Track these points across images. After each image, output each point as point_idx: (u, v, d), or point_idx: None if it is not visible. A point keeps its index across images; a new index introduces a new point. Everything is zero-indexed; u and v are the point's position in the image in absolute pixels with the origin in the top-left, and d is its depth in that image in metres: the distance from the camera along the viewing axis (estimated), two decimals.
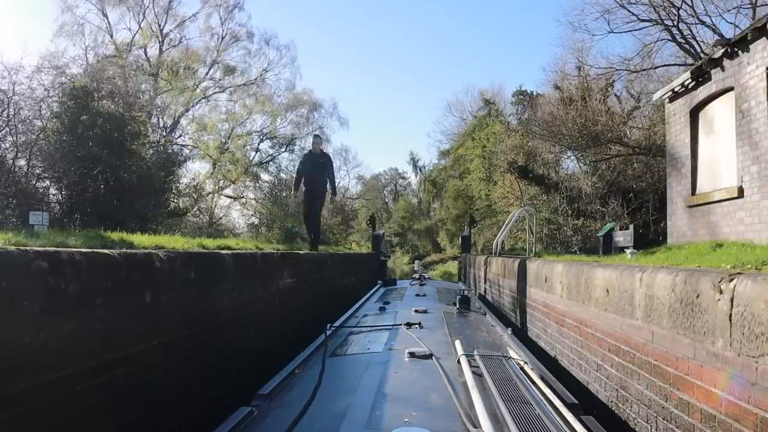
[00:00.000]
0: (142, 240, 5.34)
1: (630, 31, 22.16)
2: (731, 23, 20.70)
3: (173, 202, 19.23)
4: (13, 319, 2.51)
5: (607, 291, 4.90)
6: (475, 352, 4.71)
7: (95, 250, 3.31)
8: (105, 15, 29.33)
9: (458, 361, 4.49)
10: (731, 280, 2.96)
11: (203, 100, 31.75)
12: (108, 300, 3.22)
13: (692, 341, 3.39)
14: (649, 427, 4.05)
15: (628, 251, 8.89)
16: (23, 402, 2.64)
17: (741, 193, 8.70)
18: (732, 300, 2.93)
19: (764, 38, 8.22)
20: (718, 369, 3.10)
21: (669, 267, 4.25)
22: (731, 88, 9.23)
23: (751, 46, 8.55)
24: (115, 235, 5.13)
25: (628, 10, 21.49)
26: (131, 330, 3.54)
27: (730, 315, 2.94)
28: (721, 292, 3.04)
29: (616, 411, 4.83)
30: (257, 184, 32.57)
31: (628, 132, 19.83)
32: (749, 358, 2.77)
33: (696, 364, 3.36)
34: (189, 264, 4.38)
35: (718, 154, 9.88)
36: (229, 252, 5.66)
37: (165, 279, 3.96)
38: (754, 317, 2.72)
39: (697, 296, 3.31)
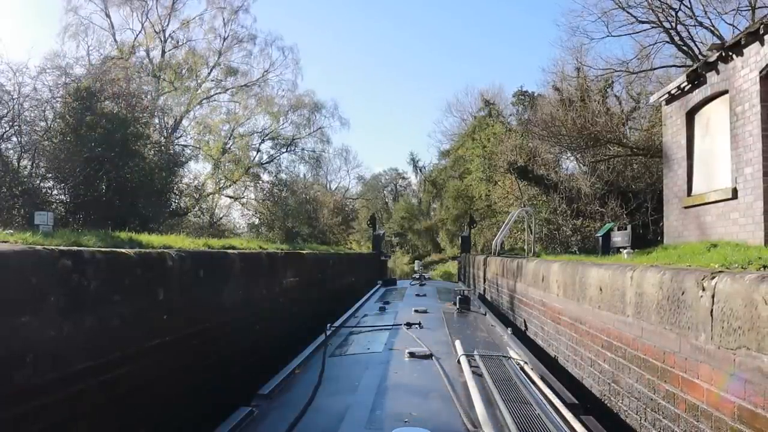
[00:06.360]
0: (150, 240, 5.45)
1: (629, 33, 22.35)
2: (730, 24, 20.85)
3: (174, 202, 19.35)
4: (40, 314, 2.68)
5: (601, 289, 5.08)
6: (475, 352, 4.76)
7: (113, 249, 3.47)
8: (108, 16, 29.52)
9: (458, 361, 4.54)
10: (713, 278, 3.14)
11: (205, 101, 31.92)
12: (125, 297, 3.39)
13: (678, 336, 3.56)
14: (639, 419, 4.23)
15: (624, 251, 9.07)
16: (48, 393, 2.79)
17: (735, 194, 8.86)
18: (713, 297, 3.10)
19: (758, 43, 8.38)
20: (701, 361, 3.27)
21: (657, 266, 4.42)
22: (726, 91, 9.38)
23: (745, 50, 8.71)
24: (124, 235, 5.25)
25: (627, 12, 21.66)
26: (144, 327, 3.68)
27: (712, 311, 3.11)
28: (703, 289, 3.22)
29: (608, 404, 5.00)
30: (258, 185, 32.73)
31: (627, 133, 19.98)
32: (728, 350, 2.95)
33: (681, 358, 3.54)
34: (199, 263, 4.52)
35: (713, 156, 10.04)
36: (236, 251, 5.79)
37: (176, 277, 4.11)
38: (732, 312, 2.90)
39: (683, 293, 3.48)
